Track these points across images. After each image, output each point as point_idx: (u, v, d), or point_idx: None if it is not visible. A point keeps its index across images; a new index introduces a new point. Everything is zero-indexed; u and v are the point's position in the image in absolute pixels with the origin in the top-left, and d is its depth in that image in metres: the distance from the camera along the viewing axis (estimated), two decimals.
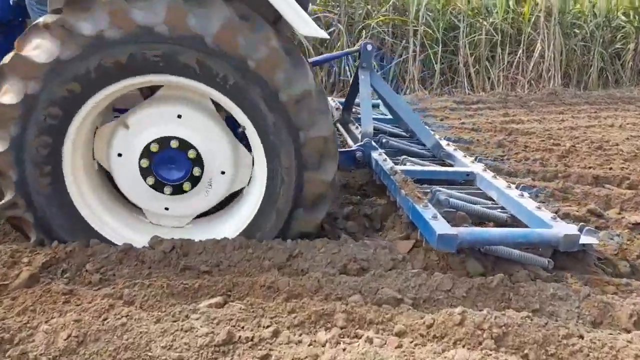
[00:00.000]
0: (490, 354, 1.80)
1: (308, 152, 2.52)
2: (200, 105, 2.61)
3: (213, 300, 2.13)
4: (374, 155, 3.39)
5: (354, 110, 4.56)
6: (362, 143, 3.49)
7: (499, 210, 2.90)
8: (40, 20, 2.32)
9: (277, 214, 2.62)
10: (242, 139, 2.70)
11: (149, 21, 2.29)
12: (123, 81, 2.39)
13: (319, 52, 8.06)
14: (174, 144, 2.55)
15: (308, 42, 7.64)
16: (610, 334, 2.00)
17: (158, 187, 2.63)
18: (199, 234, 2.69)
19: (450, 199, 2.80)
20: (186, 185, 2.62)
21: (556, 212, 3.25)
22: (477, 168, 3.37)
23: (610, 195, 3.74)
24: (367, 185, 3.79)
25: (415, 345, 1.89)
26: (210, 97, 2.55)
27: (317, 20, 7.77)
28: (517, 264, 2.58)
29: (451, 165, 3.60)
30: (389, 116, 4.66)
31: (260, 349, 1.86)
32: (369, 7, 8.62)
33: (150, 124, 2.56)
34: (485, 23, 8.90)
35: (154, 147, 2.55)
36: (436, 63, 8.66)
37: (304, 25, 2.47)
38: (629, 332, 2.08)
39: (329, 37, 4.74)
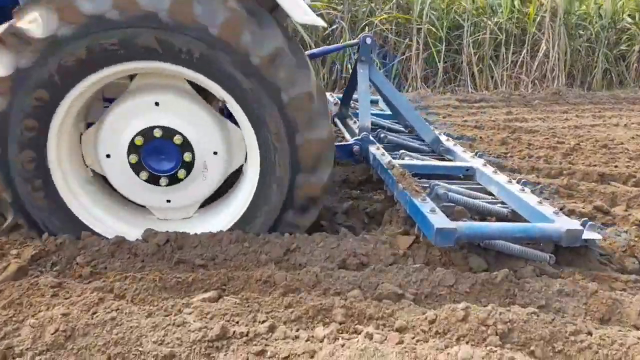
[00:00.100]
0: (495, 351, 1.72)
1: (293, 112, 2.41)
2: (177, 89, 2.52)
3: (207, 295, 2.06)
4: (372, 149, 3.31)
5: (352, 105, 4.47)
6: (360, 137, 3.41)
7: (500, 205, 2.82)
8: None
9: (278, 184, 2.52)
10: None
11: (98, 9, 2.19)
12: (90, 77, 2.30)
13: None
14: (157, 133, 2.47)
15: (310, 39, 7.57)
16: (620, 331, 1.91)
17: (153, 180, 2.56)
18: (202, 220, 2.62)
19: (449, 193, 2.72)
20: (181, 173, 2.54)
21: (561, 209, 3.17)
22: (477, 163, 3.29)
23: (616, 192, 3.66)
24: (366, 183, 3.73)
25: (417, 341, 1.82)
26: (183, 77, 2.45)
27: (319, 16, 7.70)
28: (521, 259, 2.50)
29: (451, 161, 3.51)
30: (389, 112, 4.58)
31: (256, 345, 1.79)
32: (373, 4, 8.56)
33: (130, 118, 2.48)
34: (489, 22, 8.82)
35: (139, 141, 2.48)
36: (439, 61, 8.60)
37: (301, 13, 2.39)
38: (638, 329, 2.00)
39: (326, 24, 4.62)
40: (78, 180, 2.55)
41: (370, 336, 1.81)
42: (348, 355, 1.67)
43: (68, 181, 2.49)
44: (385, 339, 1.81)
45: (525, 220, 2.61)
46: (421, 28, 8.47)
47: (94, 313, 1.86)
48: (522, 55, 9.07)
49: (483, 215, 2.80)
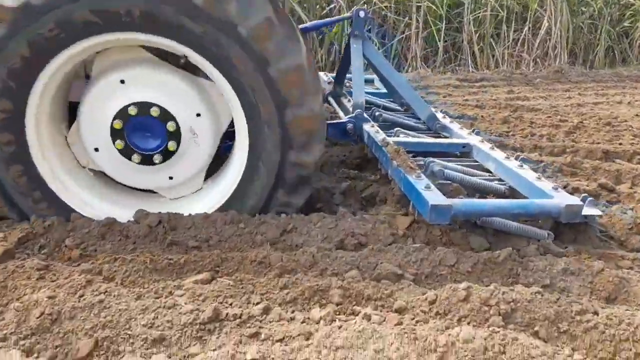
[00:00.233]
0: (498, 331, 1.65)
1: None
2: (137, 61, 2.41)
3: (199, 276, 1.99)
4: (366, 127, 3.19)
5: (347, 85, 4.31)
6: (354, 115, 3.29)
7: (497, 182, 2.73)
8: None
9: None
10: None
11: None
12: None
13: (319, 30, 7.85)
14: (132, 111, 2.37)
15: (307, 19, 7.41)
16: (627, 310, 1.85)
17: (147, 161, 2.47)
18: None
19: (445, 170, 2.62)
20: (171, 145, 2.44)
21: (565, 187, 3.10)
22: (474, 139, 3.19)
23: (621, 170, 3.57)
24: (364, 162, 3.64)
25: (417, 322, 1.75)
26: (147, 44, 2.34)
27: None
28: (524, 238, 2.43)
29: (447, 138, 3.40)
30: (384, 91, 4.45)
31: (249, 327, 1.72)
32: None
33: (102, 104, 2.38)
34: None
35: (117, 124, 2.39)
36: (439, 40, 8.43)
37: None
38: None
39: None
40: (82, 178, 2.53)
41: (368, 317, 1.74)
42: (345, 337, 1.60)
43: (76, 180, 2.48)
44: (384, 320, 1.74)
45: (524, 197, 2.53)
46: (421, 6, 8.29)
47: (81, 296, 1.79)
48: (524, 33, 8.89)
49: (480, 192, 2.72)
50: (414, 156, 2.80)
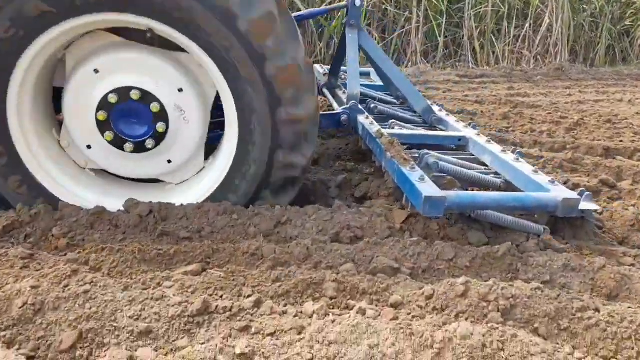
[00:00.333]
0: (497, 328, 1.59)
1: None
2: (107, 46, 2.33)
3: (189, 268, 1.93)
4: (361, 119, 3.12)
5: (343, 77, 4.21)
6: (348, 106, 3.21)
7: (493, 175, 2.67)
8: None
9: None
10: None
11: None
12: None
13: (317, 21, 7.78)
14: (112, 99, 2.30)
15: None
16: (630, 308, 1.79)
17: (140, 148, 2.40)
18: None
19: (440, 163, 2.56)
20: (160, 126, 2.36)
21: (565, 183, 3.05)
22: (470, 133, 3.13)
23: (622, 166, 3.52)
24: (361, 155, 3.57)
25: (413, 317, 1.70)
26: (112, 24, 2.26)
27: None
28: (523, 234, 2.37)
29: (443, 131, 3.34)
30: (380, 84, 4.37)
31: (240, 320, 1.66)
32: None
33: (82, 99, 2.32)
34: None
35: (101, 116, 2.32)
36: (440, 35, 8.36)
37: None
38: None
39: None
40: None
41: (363, 312, 1.68)
42: (338, 332, 1.55)
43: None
44: (379, 315, 1.69)
45: (520, 191, 2.48)
46: (421, 0, 8.22)
47: (66, 286, 1.73)
48: (525, 29, 8.82)
49: (476, 185, 2.66)
50: (409, 149, 2.74)
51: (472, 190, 2.69)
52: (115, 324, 1.62)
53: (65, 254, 2.02)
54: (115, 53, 2.32)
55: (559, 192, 2.29)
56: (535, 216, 2.49)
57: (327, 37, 7.87)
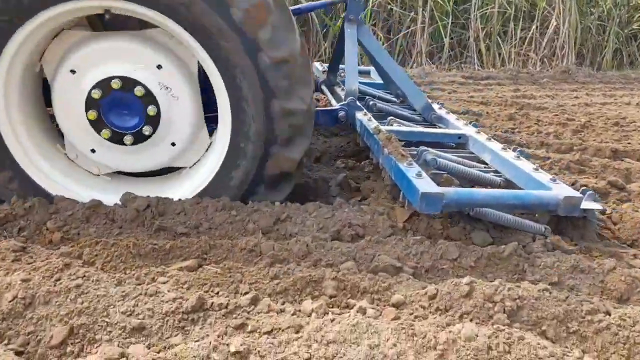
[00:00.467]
0: (503, 330, 1.53)
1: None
2: (76, 42, 2.27)
3: (185, 263, 1.88)
4: (359, 115, 3.05)
5: (342, 75, 4.12)
6: (346, 102, 3.14)
7: (493, 173, 2.60)
8: None
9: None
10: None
11: None
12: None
13: (322, 21, 7.74)
14: (95, 94, 2.25)
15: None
16: None
17: (140, 137, 2.36)
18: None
19: (438, 159, 2.49)
20: (151, 110, 2.30)
21: (573, 184, 2.97)
22: (470, 130, 3.06)
23: (630, 168, 3.45)
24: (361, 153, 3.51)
25: (415, 317, 1.63)
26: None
27: None
28: (529, 234, 2.30)
29: (442, 128, 3.26)
30: (379, 82, 4.30)
31: (235, 318, 1.61)
32: None
33: (69, 102, 2.28)
34: None
35: (92, 115, 2.28)
36: (445, 36, 8.30)
37: None
38: None
39: None
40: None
41: (363, 311, 1.62)
42: (337, 331, 1.49)
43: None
44: (380, 315, 1.63)
45: (520, 189, 2.41)
46: (427, 1, 8.16)
47: (58, 280, 1.68)
48: (532, 31, 8.75)
49: (475, 183, 2.59)
50: (407, 146, 2.68)
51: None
52: (107, 320, 1.57)
53: (59, 248, 1.96)
54: (85, 47, 2.27)
55: (560, 190, 2.22)
56: (536, 215, 2.43)
57: (332, 36, 7.82)
